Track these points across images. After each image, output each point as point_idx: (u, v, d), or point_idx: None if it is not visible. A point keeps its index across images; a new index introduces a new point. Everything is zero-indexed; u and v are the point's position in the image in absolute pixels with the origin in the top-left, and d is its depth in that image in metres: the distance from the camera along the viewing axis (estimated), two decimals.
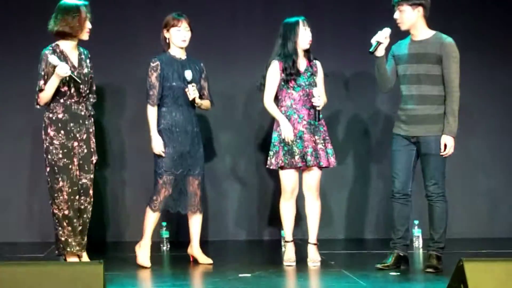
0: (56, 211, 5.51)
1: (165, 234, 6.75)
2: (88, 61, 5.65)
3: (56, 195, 5.49)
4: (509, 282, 4.04)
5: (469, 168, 7.41)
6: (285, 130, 5.81)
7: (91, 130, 5.65)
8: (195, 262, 5.97)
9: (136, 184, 7.18)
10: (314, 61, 5.98)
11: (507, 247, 6.68)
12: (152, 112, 5.87)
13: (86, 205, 5.61)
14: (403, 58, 5.61)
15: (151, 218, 5.88)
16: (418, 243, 6.71)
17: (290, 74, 5.85)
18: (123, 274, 5.51)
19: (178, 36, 5.88)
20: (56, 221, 5.53)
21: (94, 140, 5.67)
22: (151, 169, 5.96)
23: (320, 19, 6.94)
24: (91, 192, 5.64)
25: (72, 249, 5.52)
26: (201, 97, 5.94)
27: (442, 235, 5.60)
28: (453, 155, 7.25)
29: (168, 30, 5.90)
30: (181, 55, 5.94)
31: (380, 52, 5.55)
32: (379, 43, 5.51)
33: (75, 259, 5.55)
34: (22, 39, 7.10)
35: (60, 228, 5.51)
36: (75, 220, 5.52)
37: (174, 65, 5.88)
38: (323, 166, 5.86)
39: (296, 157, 5.80)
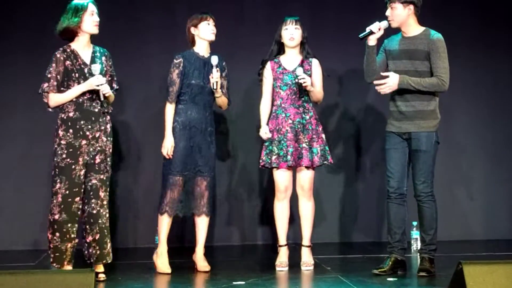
0: (49, 216, 5.34)
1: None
2: (103, 58, 5.51)
3: (51, 198, 5.33)
4: (509, 285, 4.02)
5: (465, 169, 7.38)
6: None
7: (103, 127, 5.43)
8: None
9: (150, 187, 7.02)
10: (310, 59, 5.92)
11: (503, 249, 6.65)
12: (169, 109, 5.81)
13: (98, 208, 5.39)
14: (394, 53, 5.65)
15: (161, 223, 5.78)
16: (417, 245, 6.55)
17: (277, 73, 5.90)
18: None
19: (208, 29, 5.84)
20: (48, 226, 5.35)
21: (108, 139, 5.45)
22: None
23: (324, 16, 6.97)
24: (101, 194, 5.41)
25: (64, 257, 5.30)
26: None
27: (433, 236, 5.58)
28: (450, 158, 7.20)
29: (196, 27, 5.85)
30: (204, 52, 5.88)
31: (372, 41, 5.56)
32: (371, 32, 5.53)
33: (69, 267, 5.31)
34: (36, 39, 6.97)
35: (49, 235, 5.33)
36: (69, 225, 5.29)
37: (196, 63, 5.84)
38: (305, 166, 5.80)
39: (274, 157, 5.81)
